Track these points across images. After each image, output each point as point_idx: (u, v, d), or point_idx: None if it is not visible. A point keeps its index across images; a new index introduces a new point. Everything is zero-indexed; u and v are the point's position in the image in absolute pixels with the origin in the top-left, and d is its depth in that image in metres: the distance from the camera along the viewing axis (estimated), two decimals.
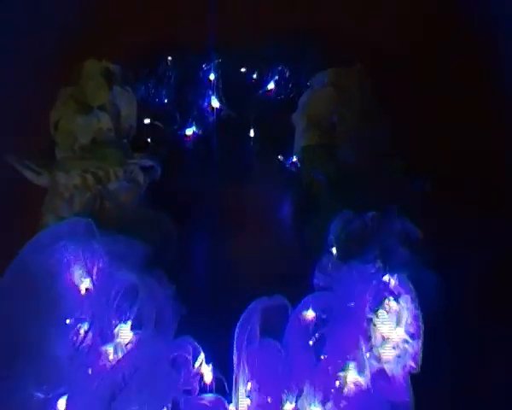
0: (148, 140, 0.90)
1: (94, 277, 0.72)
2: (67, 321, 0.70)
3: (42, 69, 0.97)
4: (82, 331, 0.71)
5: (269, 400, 0.69)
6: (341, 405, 0.69)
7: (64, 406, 0.68)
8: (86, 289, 0.72)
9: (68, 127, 0.84)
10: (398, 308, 0.73)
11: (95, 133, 0.84)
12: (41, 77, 0.96)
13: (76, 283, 0.72)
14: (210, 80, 0.95)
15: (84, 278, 0.72)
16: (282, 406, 0.69)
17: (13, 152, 0.85)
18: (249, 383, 0.70)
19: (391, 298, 0.74)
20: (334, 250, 0.79)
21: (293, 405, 0.70)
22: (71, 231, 0.74)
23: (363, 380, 0.70)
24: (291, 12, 1.04)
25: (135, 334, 0.71)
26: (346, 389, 0.70)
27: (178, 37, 1.00)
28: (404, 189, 0.84)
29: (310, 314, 0.73)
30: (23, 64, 0.99)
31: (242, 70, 0.96)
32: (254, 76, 0.97)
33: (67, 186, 0.81)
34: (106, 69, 0.87)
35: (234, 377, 0.71)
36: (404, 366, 0.72)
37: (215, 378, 0.72)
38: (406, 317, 0.73)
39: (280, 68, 0.96)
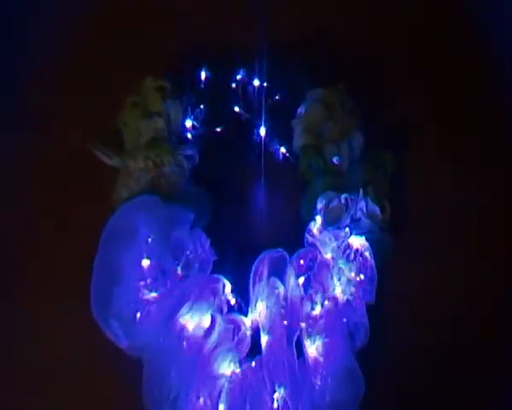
0: (189, 136, 1.07)
1: (157, 233, 0.92)
2: (145, 260, 0.90)
3: (111, 82, 1.12)
4: (149, 271, 0.91)
5: (272, 318, 0.90)
6: (320, 322, 0.91)
7: (139, 316, 0.89)
8: (152, 241, 0.92)
9: (134, 127, 1.02)
10: (360, 260, 0.95)
11: (153, 132, 1.02)
12: (110, 88, 1.12)
13: (144, 238, 0.92)
14: (233, 91, 1.12)
15: (151, 234, 0.92)
16: (282, 321, 0.90)
17: (94, 142, 1.03)
18: (260, 305, 0.91)
19: (355, 253, 0.95)
20: (318, 219, 0.99)
21: (288, 322, 0.90)
22: (142, 203, 0.94)
23: (332, 304, 0.92)
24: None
25: (185, 272, 0.92)
26: (322, 311, 0.92)
27: (211, 57, 1.14)
28: (369, 175, 1.03)
29: (301, 262, 0.95)
30: (99, 79, 1.14)
31: (256, 83, 1.11)
32: (265, 85, 1.11)
33: (135, 168, 0.98)
34: (160, 86, 1.05)
35: (250, 301, 0.92)
36: (363, 299, 0.94)
37: (237, 303, 0.93)
38: (365, 265, 0.95)
39: (285, 83, 1.12)
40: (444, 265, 1.05)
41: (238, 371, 0.89)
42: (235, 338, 0.90)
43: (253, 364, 0.89)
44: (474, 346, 1.00)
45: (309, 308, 0.93)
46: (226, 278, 0.95)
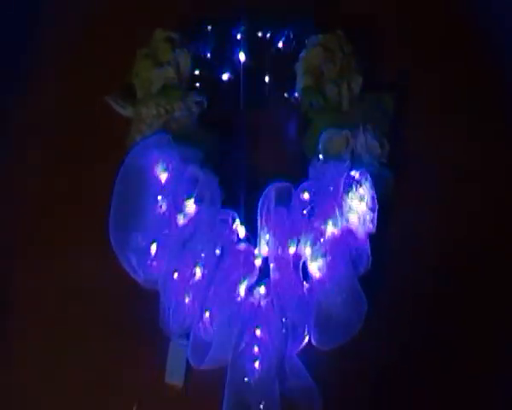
0: (197, 84, 1.10)
1: (170, 170, 0.95)
2: (159, 197, 0.93)
3: (122, 35, 1.17)
4: (164, 205, 0.95)
5: (279, 245, 0.93)
6: (323, 246, 0.94)
7: (155, 249, 0.93)
8: (166, 178, 0.95)
9: (146, 76, 1.05)
10: (361, 191, 0.97)
11: (164, 80, 1.05)
12: (121, 41, 1.16)
13: (159, 174, 0.96)
14: (238, 40, 1.14)
15: (164, 171, 0.96)
16: (288, 248, 0.93)
17: (108, 94, 1.07)
18: (267, 235, 0.93)
19: (356, 185, 0.98)
20: (320, 154, 1.02)
21: (295, 248, 0.94)
22: (156, 141, 0.97)
23: (336, 231, 0.94)
24: None
25: (196, 206, 0.94)
26: (326, 237, 0.95)
27: (216, 10, 1.18)
28: (369, 115, 1.06)
29: (305, 194, 0.97)
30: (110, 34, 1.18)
31: (259, 34, 1.16)
32: (268, 36, 1.17)
33: (147, 115, 1.01)
34: (169, 37, 1.08)
35: (258, 232, 0.94)
36: (365, 228, 0.96)
37: (247, 235, 0.96)
38: (366, 196, 0.97)
39: (286, 31, 1.17)
40: (443, 201, 1.08)
41: (248, 297, 0.92)
42: (245, 267, 0.93)
43: (263, 290, 0.92)
44: (475, 274, 1.03)
45: (313, 236, 0.95)
46: (235, 211, 0.97)
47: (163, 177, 0.96)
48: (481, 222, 1.07)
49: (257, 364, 0.89)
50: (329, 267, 0.94)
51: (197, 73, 1.12)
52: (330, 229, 0.95)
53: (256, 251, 0.95)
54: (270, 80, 1.14)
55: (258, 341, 0.90)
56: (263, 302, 0.92)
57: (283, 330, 0.90)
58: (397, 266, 1.00)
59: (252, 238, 0.96)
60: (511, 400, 0.96)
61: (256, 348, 0.89)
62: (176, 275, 0.91)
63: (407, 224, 1.04)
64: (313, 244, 0.95)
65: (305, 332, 0.92)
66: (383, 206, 0.98)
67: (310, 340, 0.92)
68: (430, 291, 1.00)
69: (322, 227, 0.95)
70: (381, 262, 0.96)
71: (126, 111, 1.06)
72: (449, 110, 1.16)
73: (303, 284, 0.94)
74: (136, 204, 0.94)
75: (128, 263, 0.92)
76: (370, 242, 0.96)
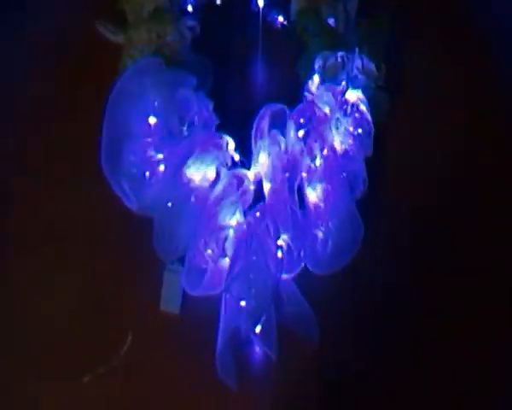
0: (190, 8, 1.06)
1: (164, 93, 0.92)
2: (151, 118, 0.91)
3: None
4: (156, 129, 0.91)
5: (274, 167, 0.92)
6: (320, 170, 0.93)
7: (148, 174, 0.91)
8: (158, 102, 0.92)
9: (136, 0, 1.01)
10: (356, 114, 0.96)
11: (155, 3, 1.01)
12: None
13: (151, 97, 0.92)
14: None
15: (156, 94, 0.92)
16: (283, 171, 0.92)
17: (98, 20, 1.03)
18: (261, 156, 0.92)
19: (352, 107, 0.97)
20: (315, 78, 0.99)
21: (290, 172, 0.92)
22: (147, 65, 0.94)
23: (332, 154, 0.94)
24: None
25: (190, 131, 0.93)
26: (321, 160, 0.94)
27: None
28: (365, 37, 1.03)
29: (300, 119, 0.95)
30: None
31: None
32: None
33: (139, 40, 0.97)
34: None
35: (252, 154, 0.93)
36: (361, 151, 0.96)
37: (241, 160, 0.94)
38: (362, 119, 0.96)
39: None
40: (441, 122, 1.08)
41: (242, 220, 0.91)
42: (239, 191, 0.92)
43: (257, 214, 0.91)
44: (474, 195, 1.03)
45: (309, 159, 0.94)
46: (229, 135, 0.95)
47: (155, 100, 0.93)
48: (480, 142, 1.07)
49: (252, 289, 0.88)
50: (325, 191, 0.93)
51: None
52: (325, 151, 0.94)
53: (250, 174, 0.93)
54: (264, 3, 1.10)
55: (253, 266, 0.89)
56: (257, 226, 0.91)
57: (278, 255, 0.89)
58: (393, 190, 1.00)
59: (246, 163, 0.95)
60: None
61: (251, 274, 0.88)
62: (170, 199, 0.90)
63: (404, 146, 1.04)
64: (309, 168, 0.93)
65: (302, 256, 0.91)
66: (379, 128, 0.97)
67: (306, 265, 0.91)
68: (428, 214, 1.00)
69: (318, 150, 0.94)
70: (377, 186, 0.95)
71: (117, 37, 1.02)
72: (447, 34, 1.15)
73: (298, 208, 0.92)
74: (128, 128, 0.91)
75: (121, 189, 0.90)
76: (366, 165, 0.95)
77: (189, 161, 0.90)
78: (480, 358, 0.93)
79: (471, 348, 0.93)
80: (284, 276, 0.90)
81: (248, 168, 0.94)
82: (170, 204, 0.89)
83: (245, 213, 0.91)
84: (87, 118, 0.95)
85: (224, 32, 1.09)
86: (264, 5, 1.10)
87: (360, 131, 0.96)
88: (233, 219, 0.91)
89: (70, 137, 1.02)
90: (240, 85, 1.06)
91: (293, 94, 1.01)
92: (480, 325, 0.94)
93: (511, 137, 1.07)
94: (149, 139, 0.91)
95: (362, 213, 0.92)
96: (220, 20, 1.10)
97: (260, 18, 1.10)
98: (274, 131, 0.93)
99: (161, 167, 0.91)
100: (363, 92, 0.99)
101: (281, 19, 1.11)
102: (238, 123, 0.98)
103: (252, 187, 0.93)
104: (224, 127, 0.96)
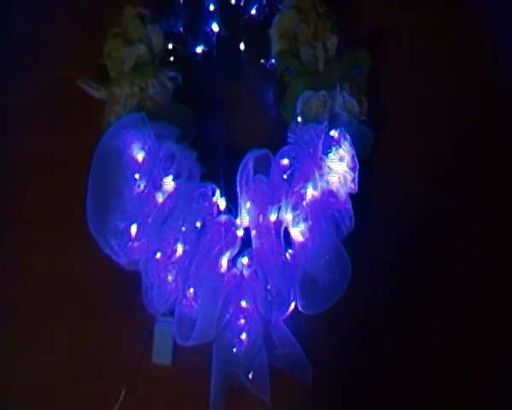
0: (171, 58, 1.07)
1: (146, 149, 0.93)
2: (136, 176, 0.91)
3: (92, 15, 1.13)
4: (142, 185, 0.92)
5: (260, 213, 0.92)
6: (304, 210, 0.93)
7: (135, 230, 0.91)
8: (142, 158, 0.92)
9: (118, 55, 1.01)
10: (340, 151, 0.96)
11: (136, 58, 1.01)
12: (92, 22, 1.12)
13: (134, 154, 0.93)
14: (211, 11, 1.11)
15: (140, 150, 0.93)
16: (269, 216, 0.92)
17: (80, 78, 1.03)
18: (248, 204, 0.92)
19: (336, 145, 0.96)
20: (299, 118, 1.00)
21: (276, 215, 0.93)
22: (130, 121, 0.94)
23: (317, 194, 0.93)
24: None
25: (175, 182, 0.93)
26: (307, 201, 0.93)
27: None
28: (346, 73, 1.04)
29: (284, 160, 0.95)
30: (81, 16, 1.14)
31: (232, 1, 1.13)
32: (242, 4, 1.13)
33: (121, 95, 0.98)
34: (139, 13, 1.04)
35: (238, 203, 0.93)
36: (346, 188, 0.95)
37: (227, 207, 0.94)
38: (346, 156, 0.96)
39: None
40: (426, 154, 1.08)
41: (232, 269, 0.92)
42: (227, 238, 0.92)
43: (245, 260, 0.92)
44: (461, 228, 1.03)
45: (294, 201, 0.94)
46: (215, 184, 0.96)
47: (139, 156, 0.94)
48: (465, 172, 1.07)
49: (243, 335, 0.89)
50: (312, 231, 0.93)
51: (170, 47, 1.09)
52: (311, 192, 0.94)
53: (237, 221, 0.94)
54: (245, 49, 1.13)
55: (244, 312, 0.90)
56: (246, 273, 0.91)
57: (268, 299, 0.90)
58: (380, 225, 1.01)
59: (233, 210, 0.95)
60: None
61: (242, 320, 0.89)
62: (158, 255, 0.90)
63: (389, 180, 1.04)
64: (294, 209, 0.94)
65: (291, 298, 0.91)
66: (364, 164, 0.97)
67: (296, 306, 0.92)
68: (415, 248, 1.00)
69: (303, 191, 0.94)
70: (363, 222, 0.95)
71: (100, 93, 1.03)
72: (425, 62, 1.16)
73: (285, 251, 0.93)
74: (114, 186, 0.92)
75: (109, 246, 0.91)
76: (352, 201, 0.96)
77: (175, 214, 0.91)
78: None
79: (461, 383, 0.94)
80: (275, 319, 0.91)
81: (235, 216, 0.94)
82: (156, 258, 0.90)
83: (233, 261, 0.92)
84: (73, 173, 0.97)
85: (206, 79, 1.09)
86: (246, 49, 1.12)
87: (345, 167, 0.96)
88: (221, 267, 0.91)
89: (57, 194, 1.02)
90: (224, 131, 1.06)
91: (277, 136, 1.02)
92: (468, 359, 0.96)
93: (493, 167, 1.07)
94: (134, 196, 0.92)
95: (349, 250, 0.92)
96: (202, 66, 1.11)
97: (242, 61, 1.13)
98: (258, 177, 0.94)
99: (148, 221, 0.92)
100: (347, 129, 0.99)
101: (262, 61, 1.11)
102: (224, 170, 0.99)
103: (239, 233, 0.93)
104: (209, 175, 0.98)
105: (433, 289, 0.99)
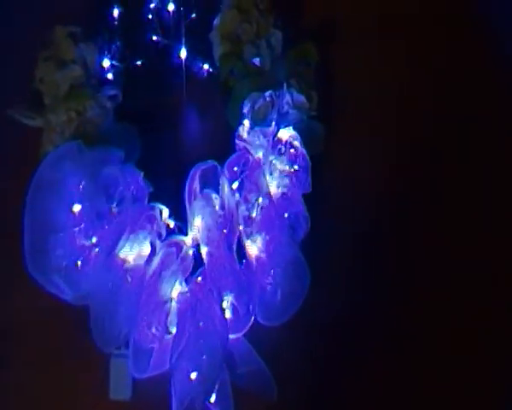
0: (110, 75, 1.02)
1: (86, 178, 0.88)
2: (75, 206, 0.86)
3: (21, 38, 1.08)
4: (83, 216, 0.87)
5: (210, 229, 0.88)
6: (257, 220, 0.90)
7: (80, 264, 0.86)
8: (82, 187, 0.88)
9: (51, 80, 0.96)
10: (292, 150, 0.94)
11: (71, 80, 0.97)
12: (21, 44, 1.07)
13: (74, 185, 0.88)
14: (149, 20, 1.07)
15: (79, 180, 0.88)
16: (220, 231, 0.88)
17: (12, 107, 0.97)
18: (197, 219, 0.89)
19: (285, 146, 0.94)
20: (246, 122, 0.96)
21: (227, 229, 0.88)
22: (66, 151, 0.90)
23: (269, 201, 0.90)
24: None
25: (120, 209, 0.89)
26: (259, 210, 0.90)
27: None
28: (293, 69, 1.01)
29: (233, 169, 0.92)
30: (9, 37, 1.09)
31: (171, 8, 1.06)
32: (181, 9, 1.07)
33: (57, 122, 0.94)
34: (70, 32, 0.99)
35: (188, 220, 0.90)
36: (299, 189, 0.93)
37: (177, 226, 0.91)
38: (297, 156, 0.94)
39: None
40: (377, 148, 1.05)
41: (185, 290, 0.88)
42: (178, 259, 0.88)
43: (199, 279, 0.88)
44: (416, 225, 1.01)
45: (245, 210, 0.91)
46: (165, 205, 0.92)
47: (78, 185, 0.89)
48: (420, 168, 1.05)
49: (204, 357, 0.85)
50: (266, 243, 0.90)
51: (107, 64, 1.03)
52: (261, 201, 0.91)
53: (188, 240, 0.90)
54: (187, 56, 1.07)
55: (201, 333, 0.85)
56: (200, 292, 0.87)
57: (226, 316, 0.86)
58: (337, 223, 0.98)
59: (184, 227, 0.92)
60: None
61: (200, 341, 0.85)
62: (107, 286, 0.86)
63: (343, 175, 1.02)
64: (246, 221, 0.91)
65: (251, 312, 0.88)
66: (317, 160, 0.95)
67: (256, 319, 0.89)
68: (374, 246, 0.98)
69: (254, 200, 0.91)
70: (320, 221, 0.93)
71: (36, 122, 0.98)
72: (375, 53, 1.13)
73: (238, 265, 0.89)
74: (52, 221, 0.87)
75: (52, 284, 0.86)
76: (307, 201, 0.93)
77: (121, 243, 0.87)
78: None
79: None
80: (234, 336, 0.88)
81: (186, 234, 0.91)
82: (105, 290, 0.86)
83: (187, 281, 0.89)
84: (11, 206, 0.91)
85: (147, 92, 1.06)
86: (188, 56, 1.07)
87: (296, 167, 0.94)
88: (175, 290, 0.88)
89: None
90: (171, 145, 1.03)
91: (226, 143, 0.99)
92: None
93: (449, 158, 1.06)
94: (76, 229, 0.87)
95: (306, 252, 0.90)
96: (143, 80, 1.06)
97: (184, 70, 1.07)
98: (206, 191, 0.91)
99: (94, 253, 0.88)
100: (297, 126, 0.97)
101: (206, 67, 1.07)
102: (172, 186, 0.94)
103: (191, 252, 0.90)
104: (158, 193, 0.93)
105: (396, 288, 0.96)
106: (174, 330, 0.86)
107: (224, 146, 0.99)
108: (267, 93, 0.97)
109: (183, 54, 1.06)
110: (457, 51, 1.14)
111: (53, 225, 0.87)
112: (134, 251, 0.88)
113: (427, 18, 1.16)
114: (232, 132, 0.98)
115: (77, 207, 0.88)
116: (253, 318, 0.89)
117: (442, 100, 1.10)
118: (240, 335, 0.88)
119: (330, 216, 0.97)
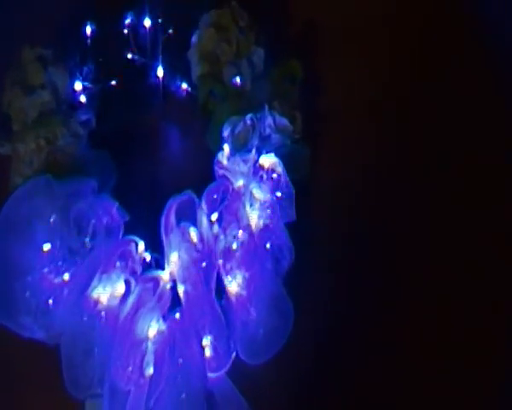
0: (83, 99, 0.97)
1: (55, 214, 0.84)
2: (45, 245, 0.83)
3: None
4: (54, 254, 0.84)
5: (187, 264, 0.85)
6: (237, 255, 0.86)
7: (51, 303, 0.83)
8: (52, 223, 0.84)
9: (18, 106, 0.92)
10: (274, 175, 0.90)
11: (40, 107, 0.92)
12: None
13: (43, 222, 0.84)
14: (123, 38, 1.02)
15: (49, 216, 0.84)
16: (198, 266, 0.85)
17: None
18: (173, 254, 0.85)
19: (267, 173, 0.90)
20: (226, 147, 0.92)
21: (205, 264, 0.85)
22: (34, 187, 0.86)
23: (249, 234, 0.86)
24: None
25: (93, 244, 0.85)
26: (239, 243, 0.86)
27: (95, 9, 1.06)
28: (276, 89, 0.98)
29: (211, 199, 0.89)
30: None
31: (147, 24, 1.02)
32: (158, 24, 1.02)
33: (26, 151, 0.89)
34: (39, 55, 0.94)
35: (165, 253, 0.86)
36: (283, 219, 0.89)
37: (154, 258, 0.87)
38: (280, 183, 0.90)
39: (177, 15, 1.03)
40: (367, 170, 1.02)
41: (163, 328, 0.84)
42: (155, 296, 0.85)
43: (177, 316, 0.85)
44: (406, 254, 0.97)
45: (225, 243, 0.87)
46: (142, 236, 0.88)
47: (48, 223, 0.86)
48: (408, 195, 1.00)
49: (183, 396, 0.81)
50: (247, 279, 0.86)
51: (79, 87, 0.98)
52: (241, 235, 0.87)
53: (165, 276, 0.86)
54: (165, 74, 1.02)
55: (180, 371, 0.82)
56: (179, 330, 0.84)
57: (205, 354, 0.83)
58: (323, 253, 0.94)
59: (161, 259, 0.88)
60: None
61: (179, 380, 0.82)
62: (79, 326, 0.83)
63: (329, 203, 0.98)
64: (225, 255, 0.87)
65: (231, 350, 0.85)
66: (301, 186, 0.92)
67: (238, 356, 0.86)
68: (360, 276, 0.94)
69: (234, 234, 0.87)
70: (305, 252, 0.90)
71: (4, 149, 0.94)
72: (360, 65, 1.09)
73: (216, 304, 0.85)
74: (19, 263, 0.83)
75: (22, 327, 0.83)
76: (290, 230, 0.90)
77: (94, 283, 0.83)
78: None
79: None
80: (215, 374, 0.84)
81: (163, 267, 0.87)
82: (78, 331, 0.83)
83: (165, 318, 0.85)
84: None
85: (124, 115, 1.02)
86: (166, 74, 1.02)
87: (279, 195, 0.90)
88: (153, 328, 0.84)
89: None
90: (148, 171, 0.99)
91: (207, 168, 0.95)
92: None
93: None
94: (46, 269, 0.84)
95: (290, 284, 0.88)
96: (118, 101, 1.02)
97: (161, 89, 1.03)
98: (183, 225, 0.87)
99: (66, 291, 0.84)
100: (279, 151, 0.93)
101: (184, 86, 1.03)
102: (149, 214, 0.89)
103: (168, 287, 0.86)
104: (134, 223, 0.89)
105: (383, 318, 0.93)
106: (151, 371, 0.83)
107: (204, 171, 0.95)
108: (248, 117, 0.93)
109: (161, 72, 1.02)
110: (454, 61, 1.12)
111: (20, 268, 0.84)
112: (107, 291, 0.84)
113: (416, 31, 1.13)
114: (213, 156, 0.95)
115: (46, 247, 0.84)
116: (234, 354, 0.85)
117: (434, 117, 1.06)
118: (221, 373, 0.85)
119: (317, 245, 0.94)
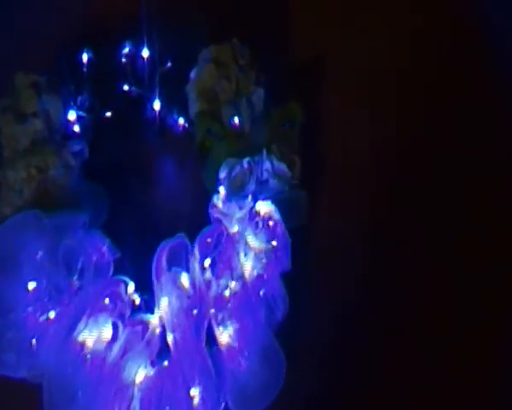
0: (76, 129, 0.95)
1: (43, 250, 0.83)
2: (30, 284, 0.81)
3: None
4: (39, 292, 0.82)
5: (177, 312, 0.83)
6: (229, 305, 0.84)
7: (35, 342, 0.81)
8: (39, 260, 0.82)
9: (10, 133, 0.91)
10: (270, 225, 0.88)
11: (32, 135, 0.91)
12: None
13: (30, 259, 0.82)
14: (120, 68, 1.01)
15: (35, 253, 0.83)
16: (188, 314, 0.83)
17: None
18: (163, 301, 0.83)
19: (263, 220, 0.88)
20: (222, 190, 0.90)
21: (196, 312, 0.83)
22: (22, 221, 0.84)
23: (242, 284, 0.84)
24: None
25: (81, 282, 0.83)
26: (232, 293, 0.84)
27: (92, 38, 1.03)
28: (275, 131, 0.96)
29: (208, 241, 0.87)
30: None
31: (145, 55, 1.00)
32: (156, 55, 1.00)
33: (16, 180, 0.88)
34: (33, 82, 0.93)
35: (155, 297, 0.84)
36: (278, 268, 0.87)
37: (143, 301, 0.85)
38: (275, 231, 0.88)
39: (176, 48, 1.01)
40: (368, 214, 1.00)
41: (151, 373, 0.82)
42: (144, 341, 0.83)
43: (165, 363, 0.83)
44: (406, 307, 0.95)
45: (216, 293, 0.85)
46: (132, 275, 0.86)
47: (38, 258, 0.84)
48: (408, 244, 0.99)
49: None
50: (238, 331, 0.84)
51: (73, 117, 0.96)
52: (234, 285, 0.85)
53: (154, 320, 0.84)
54: (162, 107, 1.01)
55: None
56: (168, 378, 0.82)
57: (194, 404, 0.80)
58: (320, 304, 0.93)
59: (151, 302, 0.86)
60: None
61: None
62: (63, 369, 0.80)
63: (329, 250, 0.97)
64: (217, 305, 0.85)
65: (220, 401, 0.82)
66: (298, 233, 0.90)
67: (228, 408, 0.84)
68: (356, 331, 0.92)
69: (226, 283, 0.85)
70: (299, 303, 0.88)
71: None
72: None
73: (207, 355, 0.83)
74: (5, 296, 0.82)
75: (6, 365, 0.80)
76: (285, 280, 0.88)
77: (80, 326, 0.81)
78: None
79: None
80: None
81: (152, 310, 0.85)
82: (61, 374, 0.80)
83: (153, 364, 0.83)
84: None
85: (118, 148, 1.00)
86: (162, 108, 1.01)
87: (275, 244, 0.88)
88: (140, 374, 0.82)
89: None
90: (142, 206, 0.97)
91: (202, 207, 0.93)
92: None
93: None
94: (30, 308, 0.81)
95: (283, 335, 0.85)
96: (113, 133, 1.01)
97: (157, 122, 1.02)
98: (174, 271, 0.85)
99: (51, 330, 0.82)
100: (276, 198, 0.91)
101: (181, 122, 1.01)
102: (142, 253, 0.88)
103: (158, 332, 0.84)
104: (125, 260, 0.88)
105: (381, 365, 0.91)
106: None
107: (198, 210, 0.93)
108: (245, 160, 0.92)
109: (157, 105, 1.00)
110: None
111: (4, 305, 0.82)
112: (94, 335, 0.82)
113: (421, 81, 1.12)
114: (208, 195, 0.93)
115: (32, 285, 0.82)
116: (223, 406, 0.83)
117: (440, 163, 1.05)
118: None
119: (313, 295, 0.92)
